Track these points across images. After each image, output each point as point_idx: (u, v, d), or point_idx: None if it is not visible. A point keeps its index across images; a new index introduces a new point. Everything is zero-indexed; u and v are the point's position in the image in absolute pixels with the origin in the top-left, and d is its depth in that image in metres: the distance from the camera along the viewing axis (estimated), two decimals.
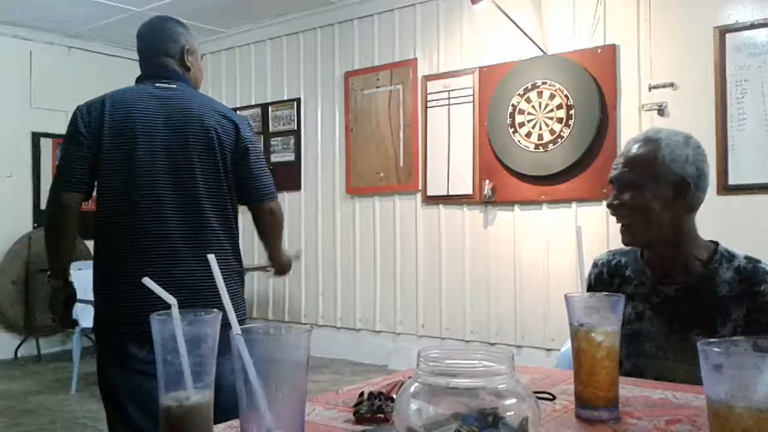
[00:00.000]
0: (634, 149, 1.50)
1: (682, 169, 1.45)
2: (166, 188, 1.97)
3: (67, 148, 2.00)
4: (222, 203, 2.04)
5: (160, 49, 2.10)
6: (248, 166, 2.08)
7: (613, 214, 1.52)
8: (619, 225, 1.52)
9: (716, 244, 1.53)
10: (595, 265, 1.67)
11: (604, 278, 1.63)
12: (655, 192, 1.45)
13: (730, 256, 1.50)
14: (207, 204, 2.00)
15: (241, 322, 1.75)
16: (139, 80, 2.12)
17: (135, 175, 1.95)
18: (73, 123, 1.99)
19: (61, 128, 6.54)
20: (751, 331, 1.41)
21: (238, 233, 2.10)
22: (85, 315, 4.54)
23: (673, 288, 1.51)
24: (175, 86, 2.05)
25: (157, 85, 2.04)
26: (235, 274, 2.07)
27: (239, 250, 2.11)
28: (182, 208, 1.98)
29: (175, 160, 1.98)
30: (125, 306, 1.91)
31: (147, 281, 0.84)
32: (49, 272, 2.17)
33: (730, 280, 1.46)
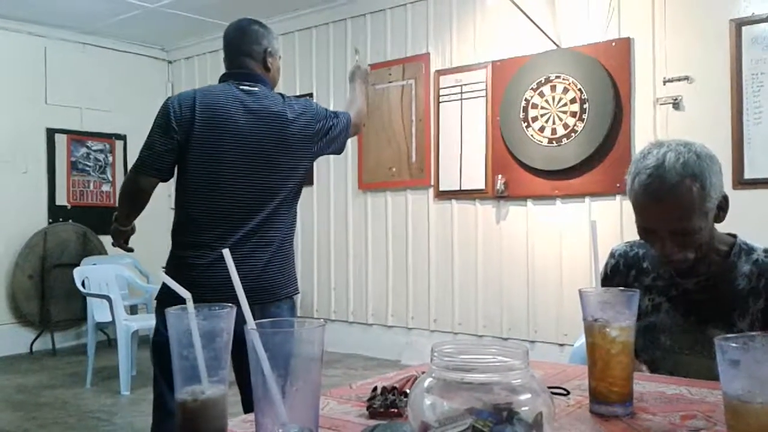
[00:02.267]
0: (673, 192, 1.35)
1: (720, 188, 1.41)
2: (244, 183, 2.14)
3: (155, 137, 2.15)
4: (294, 197, 2.28)
5: (244, 51, 2.29)
6: (333, 136, 2.35)
7: (673, 267, 1.47)
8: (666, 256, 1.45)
9: (735, 237, 1.52)
10: (612, 255, 1.66)
11: (621, 269, 1.61)
12: (705, 223, 1.39)
13: (749, 249, 1.49)
14: (281, 198, 2.20)
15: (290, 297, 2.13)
16: (223, 79, 2.29)
17: (218, 171, 2.13)
18: (165, 115, 2.15)
19: (76, 124, 6.61)
20: None
21: (295, 219, 2.35)
22: (100, 310, 4.59)
23: (692, 281, 1.50)
24: (257, 89, 2.23)
25: (241, 87, 2.21)
26: (292, 256, 2.31)
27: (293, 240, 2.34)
28: (260, 202, 2.16)
29: (257, 158, 2.16)
30: (192, 277, 2.09)
31: (164, 277, 0.85)
32: (116, 215, 2.33)
33: (749, 274, 1.46)
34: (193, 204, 2.16)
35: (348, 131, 2.43)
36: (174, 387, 0.83)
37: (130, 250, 2.45)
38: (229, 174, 2.13)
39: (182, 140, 2.13)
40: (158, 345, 2.20)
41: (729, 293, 1.46)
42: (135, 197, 2.24)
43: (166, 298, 2.16)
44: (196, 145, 2.13)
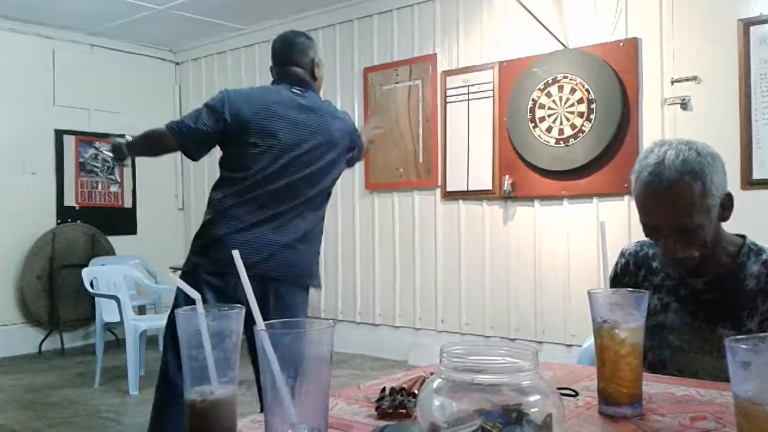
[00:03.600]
0: (673, 188, 1.36)
1: (723, 186, 1.41)
2: (287, 177, 2.32)
3: (206, 117, 2.32)
4: (324, 198, 2.49)
5: (292, 60, 2.46)
6: (355, 154, 2.65)
7: (679, 265, 1.48)
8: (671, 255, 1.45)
9: (744, 237, 1.52)
10: (622, 254, 1.66)
11: (630, 269, 1.62)
12: (708, 221, 1.40)
13: (758, 250, 1.49)
14: (314, 194, 2.40)
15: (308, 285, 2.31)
16: (274, 83, 2.49)
17: (263, 163, 2.29)
18: (221, 101, 2.31)
19: (84, 126, 6.65)
20: None
21: (324, 219, 2.54)
22: (108, 310, 4.61)
23: (701, 280, 1.50)
24: (307, 94, 2.42)
25: (293, 90, 2.40)
26: (317, 250, 2.50)
27: (322, 233, 2.56)
28: (295, 193, 2.34)
29: (301, 156, 2.34)
30: (214, 259, 2.21)
31: (176, 279, 0.85)
32: (130, 142, 2.54)
33: (758, 274, 1.46)
34: (238, 187, 2.30)
35: (360, 157, 2.77)
36: (183, 384, 0.83)
37: (125, 165, 2.70)
38: (277, 165, 2.31)
39: (232, 130, 2.29)
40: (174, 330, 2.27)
41: (738, 293, 1.46)
42: (156, 151, 2.55)
43: (193, 270, 2.27)
44: (249, 136, 2.29)
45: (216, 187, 2.38)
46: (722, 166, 1.42)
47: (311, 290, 2.42)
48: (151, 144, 2.52)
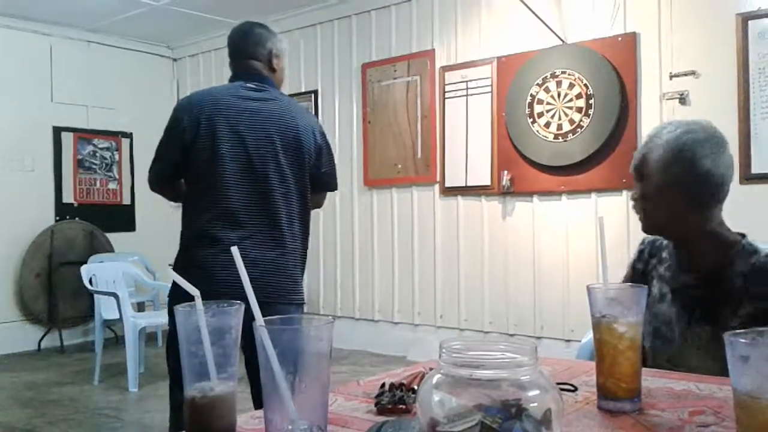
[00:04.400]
0: (641, 156, 1.55)
1: (701, 168, 1.45)
2: (247, 181, 2.15)
3: (166, 149, 2.22)
4: (303, 195, 2.27)
5: (249, 53, 2.31)
6: (320, 164, 2.32)
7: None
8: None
9: (743, 236, 1.51)
10: (642, 242, 1.70)
11: (645, 257, 1.66)
12: (659, 195, 1.49)
13: (753, 251, 1.48)
14: (286, 197, 2.20)
15: (301, 305, 2.06)
16: (231, 80, 2.32)
17: (217, 169, 2.14)
18: (174, 125, 2.19)
19: (82, 122, 6.63)
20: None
21: (309, 223, 2.33)
22: (107, 307, 4.61)
23: (691, 275, 1.51)
24: (262, 89, 2.25)
25: (247, 85, 2.24)
26: (302, 259, 2.29)
27: (308, 240, 2.33)
28: (263, 200, 2.17)
29: (260, 156, 2.17)
30: (198, 276, 2.10)
31: (174, 274, 0.85)
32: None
33: (746, 274, 1.45)
34: (201, 201, 2.18)
35: (335, 179, 2.45)
36: (183, 384, 0.83)
37: None
38: (236, 169, 2.15)
39: (190, 143, 2.16)
40: (172, 344, 2.21)
41: (723, 291, 1.46)
42: (166, 195, 2.37)
43: (178, 297, 2.17)
44: (204, 143, 2.15)
45: (184, 208, 2.26)
46: (710, 151, 1.45)
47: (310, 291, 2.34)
48: (163, 194, 2.38)
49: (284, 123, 2.22)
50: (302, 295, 2.27)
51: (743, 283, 1.44)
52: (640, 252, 1.68)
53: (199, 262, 2.12)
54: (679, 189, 1.45)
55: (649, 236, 1.67)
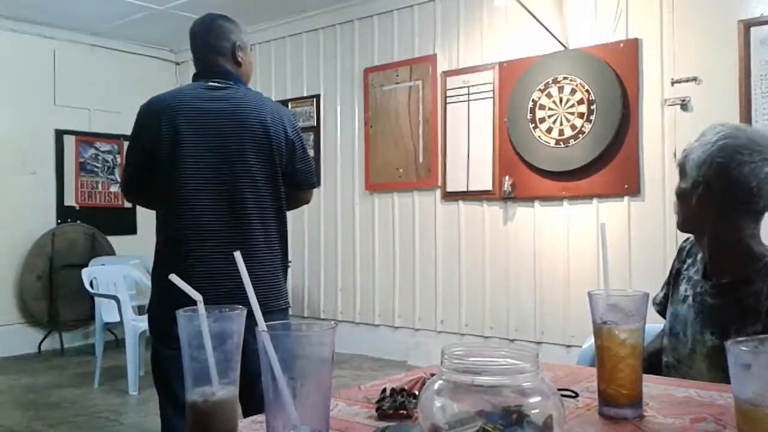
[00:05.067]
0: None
1: (721, 175, 1.43)
2: (213, 185, 2.04)
3: (132, 160, 2.15)
4: (276, 196, 2.13)
5: (212, 48, 2.18)
6: (294, 160, 2.18)
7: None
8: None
9: None
10: (686, 240, 1.70)
11: (683, 256, 1.66)
12: (691, 195, 1.49)
13: None
14: (258, 201, 2.08)
15: (285, 310, 1.90)
16: (195, 78, 2.20)
17: (181, 174, 2.03)
18: (136, 131, 2.13)
19: (84, 126, 6.63)
20: None
21: (286, 224, 2.19)
22: (108, 310, 4.61)
23: (709, 284, 1.51)
24: (226, 85, 2.12)
25: (209, 84, 2.12)
26: (282, 264, 2.16)
27: (287, 241, 2.20)
28: (232, 206, 2.05)
29: (225, 157, 2.05)
30: (171, 293, 2.02)
31: (174, 278, 0.85)
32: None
33: (759, 292, 1.42)
34: (167, 211, 2.09)
35: (311, 176, 2.28)
36: (185, 390, 0.83)
37: None
38: (199, 173, 2.04)
39: (151, 149, 2.06)
40: (159, 371, 2.08)
41: (736, 306, 1.44)
42: (140, 202, 2.36)
43: (155, 313, 2.06)
44: (165, 147, 2.04)
45: (156, 216, 2.17)
46: (736, 163, 1.40)
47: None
48: (137, 203, 2.43)
49: (251, 122, 2.08)
50: (286, 299, 2.17)
51: (757, 303, 1.41)
52: (680, 250, 1.69)
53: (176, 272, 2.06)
54: (710, 192, 1.44)
55: (692, 236, 1.66)
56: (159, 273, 2.11)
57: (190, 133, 2.04)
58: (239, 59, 2.20)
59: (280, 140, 2.13)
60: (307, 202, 2.39)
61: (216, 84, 2.12)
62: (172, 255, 2.04)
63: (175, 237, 2.05)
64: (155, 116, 2.06)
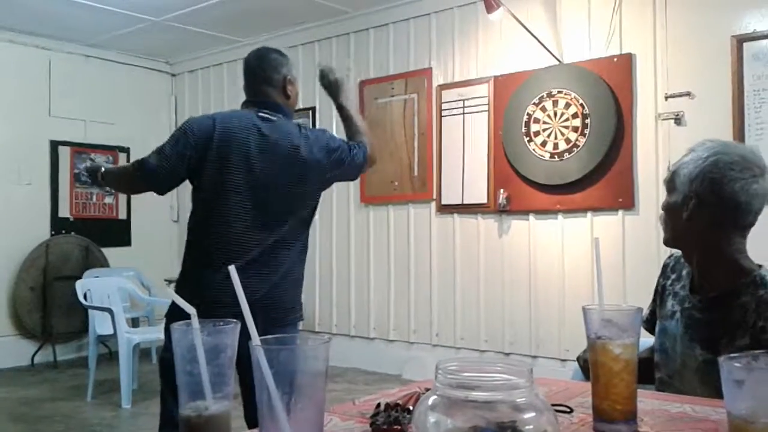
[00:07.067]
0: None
1: (704, 190, 1.45)
2: (255, 209, 2.20)
3: (170, 150, 2.21)
4: (306, 223, 2.34)
5: (264, 79, 2.34)
6: (343, 167, 2.37)
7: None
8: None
9: (760, 267, 1.49)
10: (669, 256, 1.71)
11: (667, 272, 1.67)
12: (680, 209, 1.50)
13: (764, 284, 1.43)
14: (290, 228, 2.25)
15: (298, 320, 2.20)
16: (244, 106, 2.36)
17: (229, 195, 2.19)
18: (182, 135, 2.22)
19: (79, 137, 6.62)
20: None
21: (308, 245, 2.38)
22: (101, 322, 4.59)
23: (697, 298, 1.52)
24: (275, 118, 2.28)
25: (260, 114, 2.27)
26: (301, 279, 2.37)
27: (306, 258, 2.38)
28: (269, 227, 2.21)
29: (265, 189, 2.21)
30: (203, 295, 2.12)
31: (171, 293, 0.85)
32: (107, 172, 2.41)
33: (746, 306, 1.42)
34: (204, 226, 2.22)
35: (363, 167, 2.46)
36: (178, 403, 0.83)
37: (106, 192, 2.59)
38: (240, 199, 2.19)
39: (195, 163, 2.20)
40: (166, 362, 2.21)
41: (725, 319, 1.45)
42: (128, 190, 2.52)
43: (175, 315, 2.17)
44: (211, 168, 2.19)
45: (189, 232, 2.29)
46: (725, 178, 1.43)
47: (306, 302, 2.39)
48: (120, 181, 2.44)
49: (292, 156, 2.24)
50: (301, 312, 2.37)
51: (745, 316, 1.42)
52: (665, 267, 1.69)
53: (202, 287, 2.15)
54: (700, 207, 1.46)
55: (676, 252, 1.67)
56: (187, 280, 2.24)
57: (238, 161, 2.19)
58: (288, 92, 2.36)
59: (321, 172, 2.30)
60: (372, 165, 2.53)
61: (266, 115, 2.27)
62: (202, 269, 2.18)
63: (206, 253, 2.19)
64: (206, 135, 2.19)
